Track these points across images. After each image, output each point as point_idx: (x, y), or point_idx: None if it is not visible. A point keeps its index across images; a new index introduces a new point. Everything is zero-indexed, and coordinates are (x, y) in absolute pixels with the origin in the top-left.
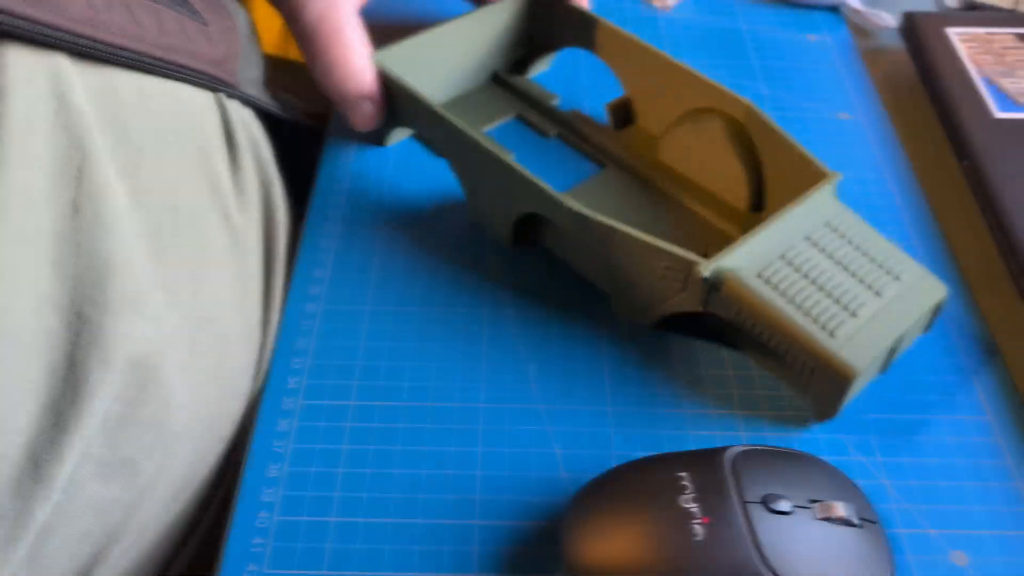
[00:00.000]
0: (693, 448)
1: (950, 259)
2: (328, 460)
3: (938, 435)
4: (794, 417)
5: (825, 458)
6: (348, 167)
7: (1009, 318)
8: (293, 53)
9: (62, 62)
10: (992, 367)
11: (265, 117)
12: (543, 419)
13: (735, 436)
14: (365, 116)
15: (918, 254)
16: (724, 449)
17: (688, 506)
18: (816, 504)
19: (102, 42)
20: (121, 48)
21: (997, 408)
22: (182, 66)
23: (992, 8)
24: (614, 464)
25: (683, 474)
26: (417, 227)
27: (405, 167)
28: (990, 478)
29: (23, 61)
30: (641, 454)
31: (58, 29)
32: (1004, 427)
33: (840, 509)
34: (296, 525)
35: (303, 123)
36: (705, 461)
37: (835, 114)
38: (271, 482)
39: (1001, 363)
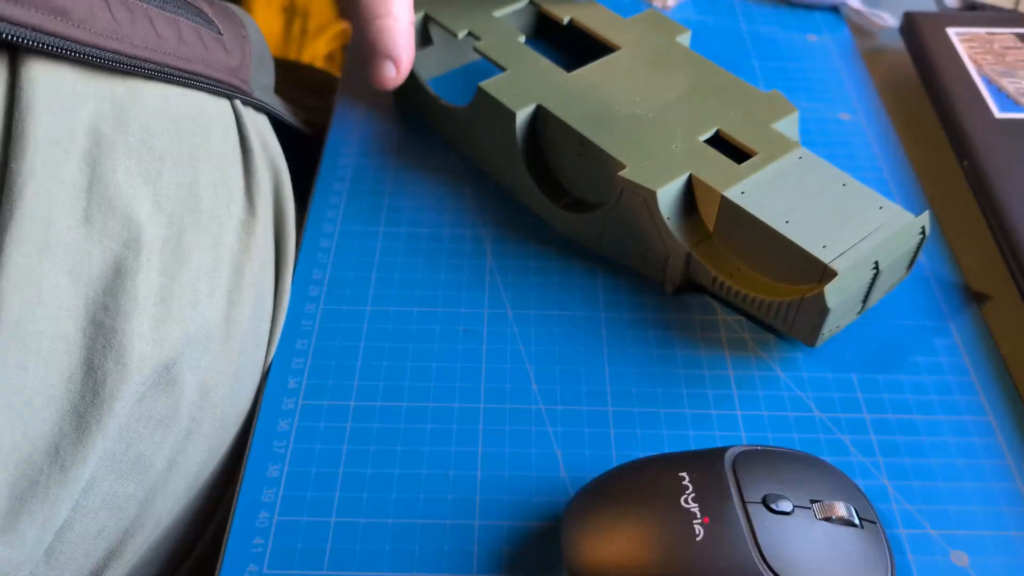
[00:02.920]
0: (693, 448)
1: (951, 259)
2: (328, 460)
3: (939, 435)
4: (794, 417)
5: (825, 458)
6: (348, 168)
7: (1010, 318)
8: (292, 54)
9: (88, 75)
10: (993, 368)
11: (272, 120)
12: (543, 419)
13: (735, 436)
14: (386, 77)
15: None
16: (724, 449)
17: (688, 506)
18: (816, 504)
19: (127, 55)
20: (145, 60)
21: (998, 409)
22: (200, 75)
23: (992, 8)
24: (614, 464)
25: (683, 474)
26: (416, 227)
27: (405, 167)
28: (990, 478)
29: (49, 76)
30: (641, 454)
31: (85, 44)
32: (1005, 428)
33: (840, 509)
34: (296, 525)
35: (304, 127)
36: (705, 461)
37: (835, 114)
38: (271, 482)
39: (1002, 363)
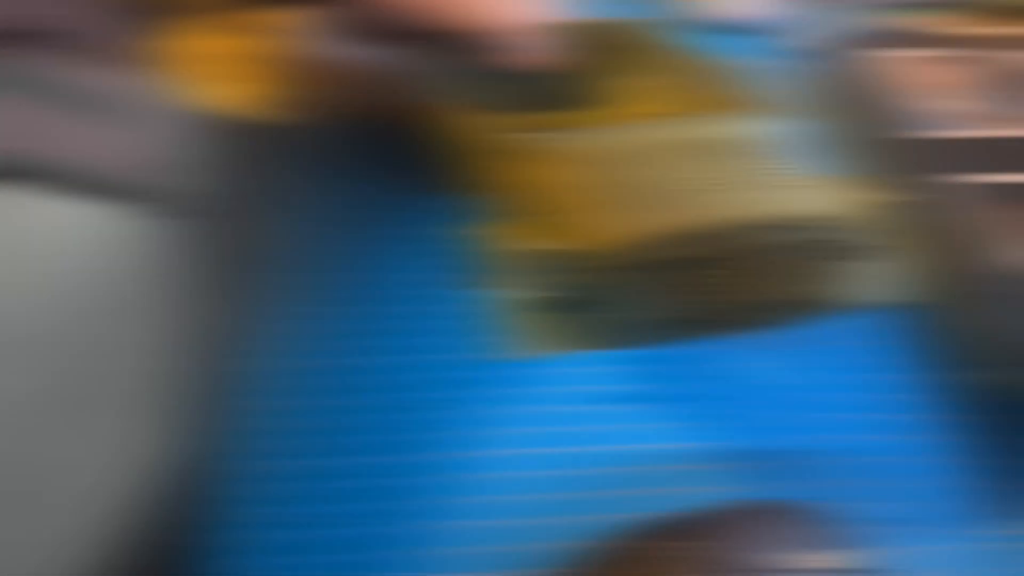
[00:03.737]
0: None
1: (941, 261)
2: (327, 464)
3: (937, 435)
4: (790, 417)
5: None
6: (343, 173)
7: (987, 333)
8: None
9: None
10: (991, 366)
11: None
12: (544, 419)
13: (733, 436)
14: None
15: None
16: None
17: None
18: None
19: None
20: None
21: (997, 408)
22: None
23: (922, 32)
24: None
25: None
26: (421, 235)
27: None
28: (990, 477)
29: None
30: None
31: None
32: (1003, 427)
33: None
34: (290, 535)
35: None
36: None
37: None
38: (265, 494)
39: (999, 363)
